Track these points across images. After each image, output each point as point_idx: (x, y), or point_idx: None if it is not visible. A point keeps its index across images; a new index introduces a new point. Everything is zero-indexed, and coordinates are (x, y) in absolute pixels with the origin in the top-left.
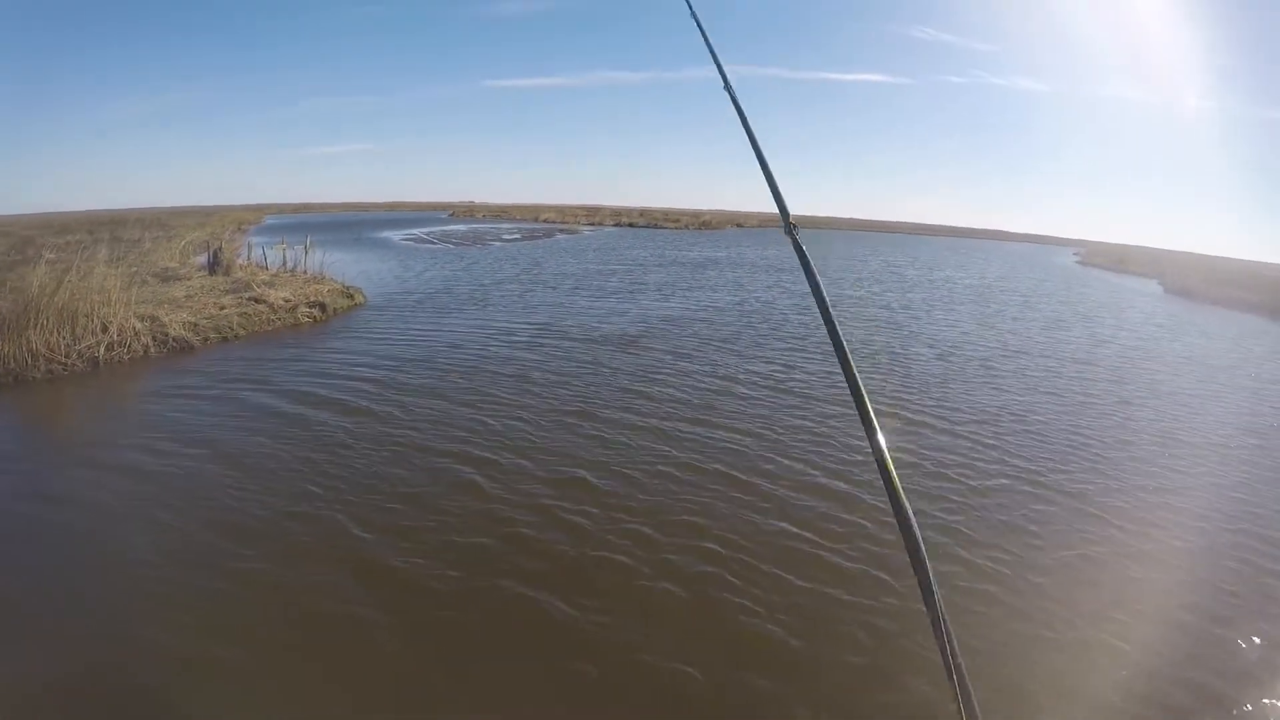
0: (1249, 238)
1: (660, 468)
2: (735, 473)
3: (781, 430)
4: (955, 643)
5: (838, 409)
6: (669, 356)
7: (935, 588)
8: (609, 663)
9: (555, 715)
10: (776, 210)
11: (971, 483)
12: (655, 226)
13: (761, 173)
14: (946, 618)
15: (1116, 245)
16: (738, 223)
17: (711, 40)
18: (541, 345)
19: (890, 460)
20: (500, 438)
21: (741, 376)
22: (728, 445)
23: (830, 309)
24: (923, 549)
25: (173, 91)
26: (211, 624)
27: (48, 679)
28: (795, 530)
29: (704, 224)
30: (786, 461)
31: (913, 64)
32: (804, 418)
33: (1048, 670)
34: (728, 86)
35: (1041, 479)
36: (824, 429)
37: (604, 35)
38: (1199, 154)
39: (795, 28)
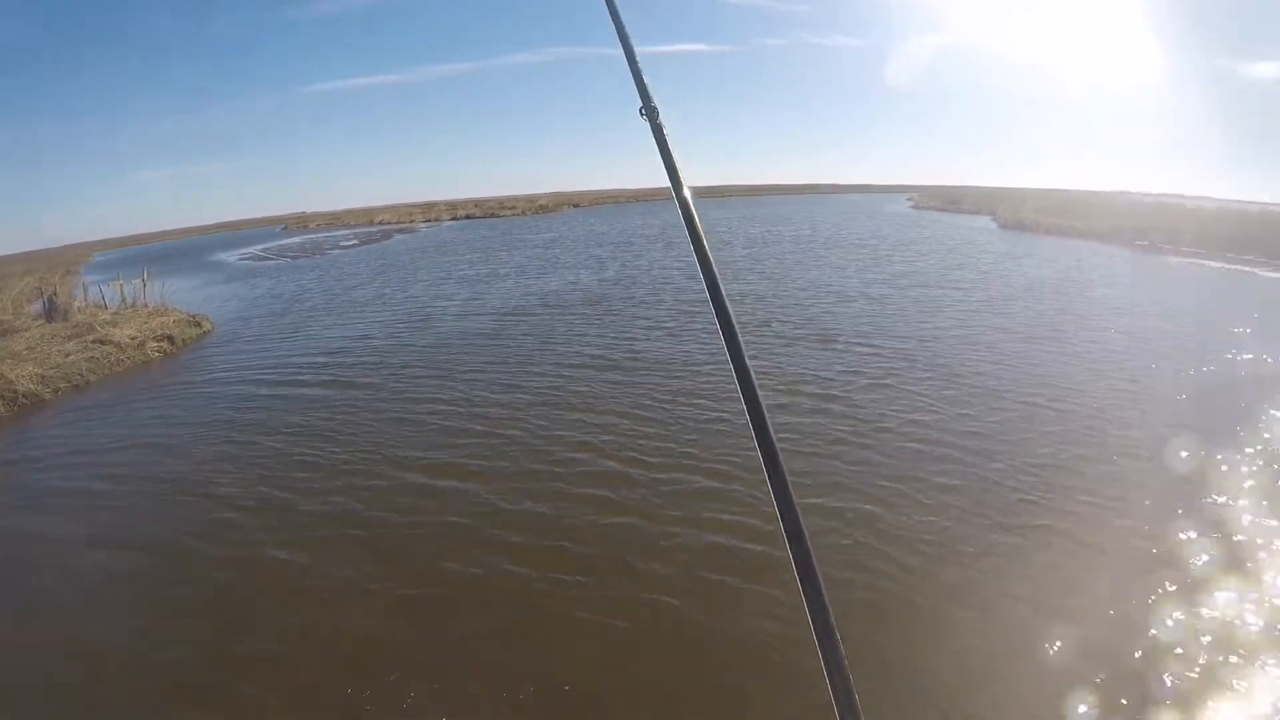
0: (1070, 164)
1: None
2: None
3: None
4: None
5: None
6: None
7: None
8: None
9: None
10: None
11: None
12: (493, 216)
13: (625, 58)
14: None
15: (948, 187)
16: (574, 203)
17: None
18: (417, 336)
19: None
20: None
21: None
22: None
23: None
24: (806, 534)
25: None
26: None
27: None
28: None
29: (541, 208)
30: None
31: (732, 31)
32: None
33: None
34: None
35: None
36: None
37: (420, 27)
38: (1018, 90)
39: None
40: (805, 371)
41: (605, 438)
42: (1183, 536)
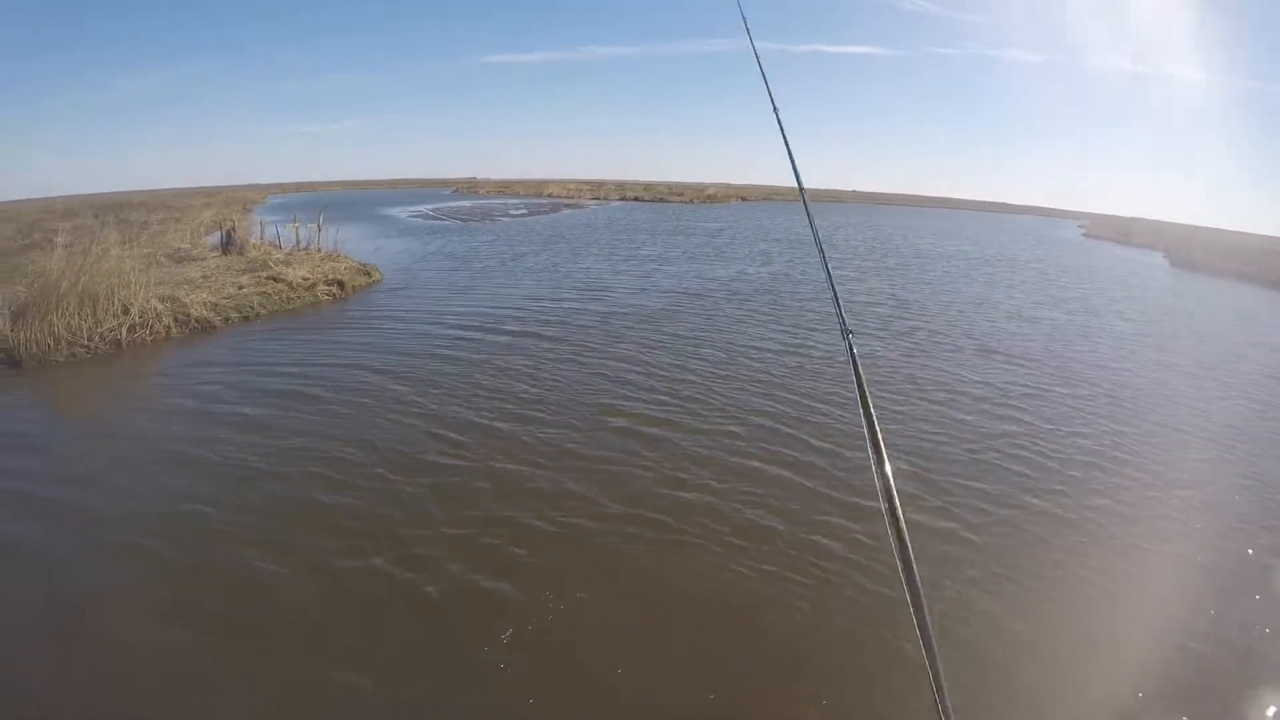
0: (1238, 208)
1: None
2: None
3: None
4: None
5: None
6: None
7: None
8: None
9: None
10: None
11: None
12: (661, 200)
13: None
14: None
15: (1120, 218)
16: (741, 196)
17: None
18: (590, 303)
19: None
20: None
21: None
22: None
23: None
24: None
25: (160, 72)
26: None
27: None
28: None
29: (708, 197)
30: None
31: (903, 36)
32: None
33: None
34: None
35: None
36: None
37: (589, 8)
38: (1193, 126)
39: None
40: (966, 378)
41: (783, 409)
42: None
